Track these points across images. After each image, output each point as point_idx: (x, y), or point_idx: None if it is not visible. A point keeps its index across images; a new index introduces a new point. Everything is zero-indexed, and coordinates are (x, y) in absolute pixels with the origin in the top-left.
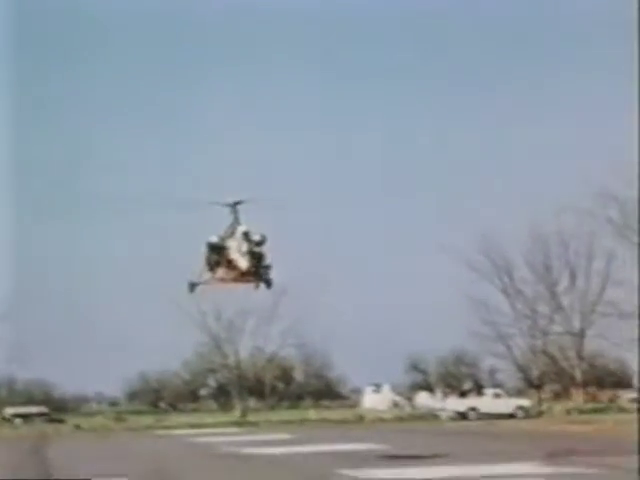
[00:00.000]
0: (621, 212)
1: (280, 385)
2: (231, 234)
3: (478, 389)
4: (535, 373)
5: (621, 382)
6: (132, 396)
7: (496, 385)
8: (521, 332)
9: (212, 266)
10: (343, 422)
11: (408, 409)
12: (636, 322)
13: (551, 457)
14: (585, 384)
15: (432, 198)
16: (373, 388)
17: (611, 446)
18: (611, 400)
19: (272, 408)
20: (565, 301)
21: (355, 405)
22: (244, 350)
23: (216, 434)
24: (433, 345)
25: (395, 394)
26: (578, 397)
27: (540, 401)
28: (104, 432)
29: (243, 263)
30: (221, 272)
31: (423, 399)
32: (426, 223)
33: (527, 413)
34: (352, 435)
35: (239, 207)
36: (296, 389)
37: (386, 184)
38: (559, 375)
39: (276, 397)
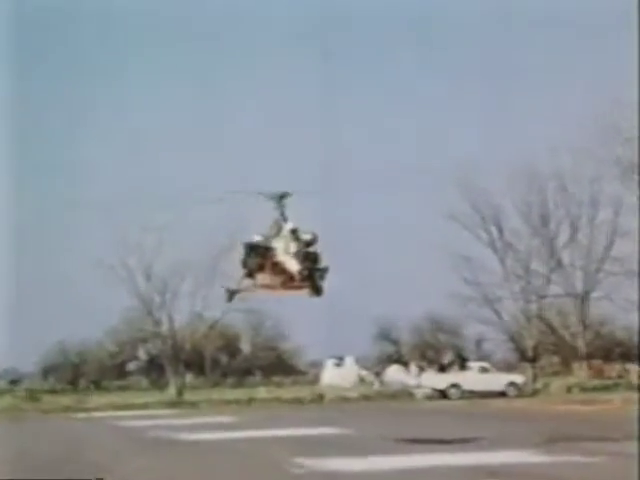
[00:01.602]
0: (629, 152)
1: (223, 358)
2: (277, 233)
3: (461, 362)
4: (529, 343)
5: (630, 354)
6: (47, 371)
7: (482, 358)
8: (512, 294)
9: (252, 271)
10: (299, 402)
11: (376, 386)
12: None
13: (549, 443)
14: (589, 356)
15: (410, 134)
16: (335, 361)
17: (619, 430)
18: (620, 375)
19: (214, 385)
20: (565, 257)
21: (313, 382)
22: (180, 316)
23: (146, 417)
24: (406, 310)
25: (361, 368)
26: (581, 372)
27: (535, 377)
28: (14, 413)
29: (293, 266)
30: (265, 277)
31: (395, 374)
32: (401, 163)
33: (520, 391)
34: (310, 417)
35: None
36: (243, 363)
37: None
38: (558, 346)
39: (219, 372)
